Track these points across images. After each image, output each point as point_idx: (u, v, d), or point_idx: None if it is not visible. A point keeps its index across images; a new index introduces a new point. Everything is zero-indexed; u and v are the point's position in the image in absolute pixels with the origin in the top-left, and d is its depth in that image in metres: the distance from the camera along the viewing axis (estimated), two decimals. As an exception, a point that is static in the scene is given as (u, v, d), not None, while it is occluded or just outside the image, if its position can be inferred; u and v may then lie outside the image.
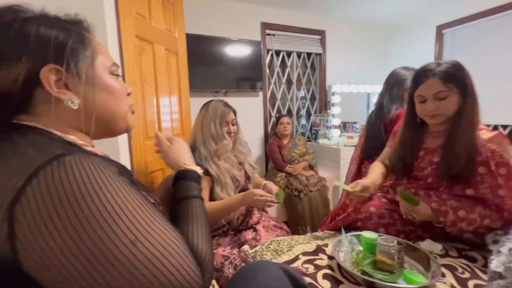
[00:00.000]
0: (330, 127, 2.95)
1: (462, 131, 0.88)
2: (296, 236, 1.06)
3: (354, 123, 3.26)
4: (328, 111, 3.00)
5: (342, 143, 2.62)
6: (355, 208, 1.06)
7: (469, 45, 2.63)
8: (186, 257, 0.37)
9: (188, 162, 0.60)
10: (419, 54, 3.04)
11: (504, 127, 2.45)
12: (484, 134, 0.88)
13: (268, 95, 2.84)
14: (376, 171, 1.12)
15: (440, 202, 0.88)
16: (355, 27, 3.16)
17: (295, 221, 2.09)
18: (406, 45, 3.22)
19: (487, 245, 0.81)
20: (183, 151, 0.66)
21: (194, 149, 1.18)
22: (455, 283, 0.71)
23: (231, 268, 0.68)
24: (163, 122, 1.46)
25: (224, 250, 0.77)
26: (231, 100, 2.57)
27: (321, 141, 2.83)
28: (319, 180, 2.27)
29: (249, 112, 2.73)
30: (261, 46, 2.60)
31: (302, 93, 3.12)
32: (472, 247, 0.89)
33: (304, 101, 3.15)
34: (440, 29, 2.83)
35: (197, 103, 1.32)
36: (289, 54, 2.93)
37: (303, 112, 3.13)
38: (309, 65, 3.06)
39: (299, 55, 2.99)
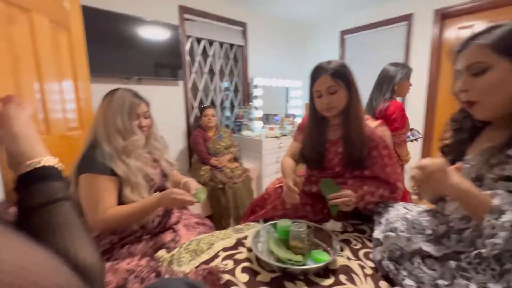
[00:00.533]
0: (253, 119, 3.05)
1: (353, 122, 1.03)
2: (217, 231, 1.04)
3: (275, 115, 3.47)
4: (251, 103, 3.08)
5: (264, 135, 2.74)
6: (274, 205, 1.12)
7: (364, 50, 3.13)
8: (59, 272, 0.30)
9: (43, 153, 0.43)
10: (328, 55, 3.44)
11: (386, 119, 3.06)
12: (371, 123, 1.07)
13: (190, 84, 2.69)
14: (290, 169, 1.15)
15: (348, 185, 1.02)
16: (275, 23, 3.31)
17: (220, 214, 2.09)
18: (318, 45, 3.59)
19: (373, 217, 0.99)
20: (36, 135, 0.45)
21: (95, 145, 1.00)
22: (350, 255, 0.83)
23: (137, 283, 0.61)
24: (51, 112, 1.18)
25: (128, 264, 0.68)
26: (147, 89, 2.32)
27: (245, 133, 2.90)
28: (243, 171, 2.33)
29: (169, 103, 2.53)
30: (180, 31, 2.41)
31: (225, 84, 3.09)
32: (363, 221, 1.07)
33: (227, 92, 3.14)
34: (342, 34, 3.26)
35: (104, 90, 1.11)
36: (211, 43, 2.83)
37: (227, 103, 3.11)
38: (231, 56, 3.05)
39: (221, 45, 2.93)
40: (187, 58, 2.61)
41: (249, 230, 1.03)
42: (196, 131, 2.42)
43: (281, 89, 3.49)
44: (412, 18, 2.69)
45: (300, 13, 3.18)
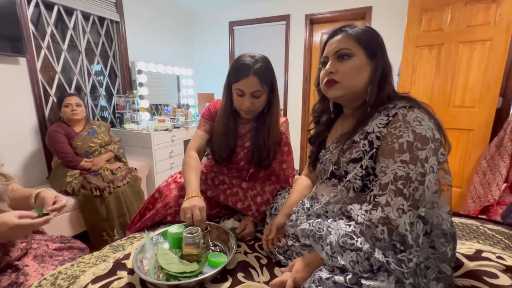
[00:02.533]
0: (138, 110, 2.65)
1: (271, 122, 1.00)
2: (87, 256, 0.81)
3: (166, 105, 3.16)
4: (134, 91, 2.66)
5: (152, 128, 2.43)
6: (164, 203, 0.98)
7: (251, 43, 3.28)
8: None
9: None
10: (218, 45, 3.40)
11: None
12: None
13: (39, 64, 2.01)
14: (197, 177, 0.94)
15: (245, 201, 1.00)
16: (158, 2, 2.94)
17: (99, 226, 1.71)
18: (207, 33, 3.48)
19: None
20: None
21: None
22: (247, 249, 0.82)
23: None
24: None
25: None
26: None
27: (128, 126, 2.48)
28: (128, 171, 1.98)
29: (5, 87, 1.80)
30: (14, -13, 1.73)
31: (97, 67, 2.52)
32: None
33: (101, 77, 2.57)
34: (231, 25, 3.30)
35: None
36: (69, 11, 2.20)
37: (101, 91, 2.56)
38: (103, 33, 2.49)
39: (86, 16, 2.33)
40: (31, 27, 1.92)
41: (133, 245, 0.85)
42: (54, 126, 1.85)
43: (171, 77, 3.20)
44: (289, 19, 3.01)
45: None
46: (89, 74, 2.40)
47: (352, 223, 0.60)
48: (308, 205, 0.81)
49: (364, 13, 2.69)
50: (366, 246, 0.53)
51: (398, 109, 0.60)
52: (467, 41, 2.09)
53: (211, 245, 0.82)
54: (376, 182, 0.61)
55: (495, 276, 0.64)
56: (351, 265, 0.53)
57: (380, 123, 0.61)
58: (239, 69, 0.92)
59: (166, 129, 2.46)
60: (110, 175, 1.86)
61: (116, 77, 2.68)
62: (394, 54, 2.49)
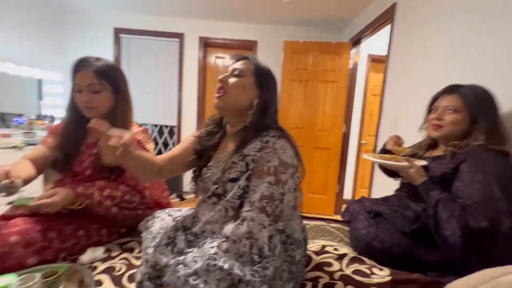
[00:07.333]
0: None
1: (115, 122, 0.93)
2: None
3: (20, 115, 2.44)
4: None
5: (-10, 144, 1.81)
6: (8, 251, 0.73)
7: (140, 54, 3.07)
8: None
9: None
10: (100, 50, 2.99)
11: (166, 127, 3.22)
12: (134, 129, 1.04)
13: None
14: (24, 167, 0.93)
15: (87, 185, 0.90)
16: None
17: None
18: (85, 36, 2.99)
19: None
20: None
21: None
22: (111, 285, 0.71)
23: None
24: None
25: None
26: None
27: None
28: None
29: None
30: None
31: None
32: (132, 237, 0.99)
33: None
34: (117, 32, 2.99)
35: None
36: None
37: None
38: None
39: None
40: None
41: None
42: None
43: (28, 81, 2.52)
44: (183, 38, 3.03)
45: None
46: None
47: (215, 243, 0.63)
48: (189, 225, 0.79)
49: (251, 46, 3.05)
50: (226, 265, 0.57)
51: (270, 137, 0.70)
52: (323, 80, 2.71)
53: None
54: (247, 200, 0.67)
55: (330, 265, 0.82)
56: (216, 283, 0.55)
57: (255, 148, 0.70)
58: (76, 64, 0.95)
59: (14, 147, 1.89)
60: None
61: None
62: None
